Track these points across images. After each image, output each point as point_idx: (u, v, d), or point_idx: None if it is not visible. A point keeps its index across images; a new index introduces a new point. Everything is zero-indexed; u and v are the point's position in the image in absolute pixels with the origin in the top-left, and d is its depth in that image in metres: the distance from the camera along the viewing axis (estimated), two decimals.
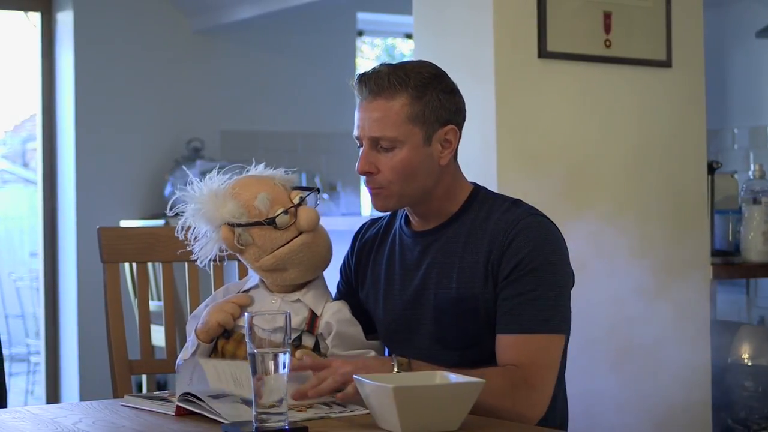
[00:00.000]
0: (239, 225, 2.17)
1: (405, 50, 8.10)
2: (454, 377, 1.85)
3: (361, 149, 2.20)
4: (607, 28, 3.33)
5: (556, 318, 2.14)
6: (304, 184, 2.32)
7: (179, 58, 6.00)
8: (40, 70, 6.01)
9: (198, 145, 5.91)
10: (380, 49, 8.39)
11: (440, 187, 2.23)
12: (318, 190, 2.25)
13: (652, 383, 3.44)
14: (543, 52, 3.22)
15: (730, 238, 3.86)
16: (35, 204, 6.16)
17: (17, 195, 8.68)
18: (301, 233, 2.20)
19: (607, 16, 3.33)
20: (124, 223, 5.44)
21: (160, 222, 5.26)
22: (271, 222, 2.17)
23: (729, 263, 3.71)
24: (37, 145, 6.08)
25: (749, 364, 3.78)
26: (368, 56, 8.22)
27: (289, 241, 2.19)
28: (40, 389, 6.80)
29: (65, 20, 5.89)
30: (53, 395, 6.00)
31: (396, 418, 1.72)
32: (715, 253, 3.69)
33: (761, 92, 6.30)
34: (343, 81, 6.45)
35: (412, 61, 2.27)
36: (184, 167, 5.75)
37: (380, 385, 1.75)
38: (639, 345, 3.43)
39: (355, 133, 2.21)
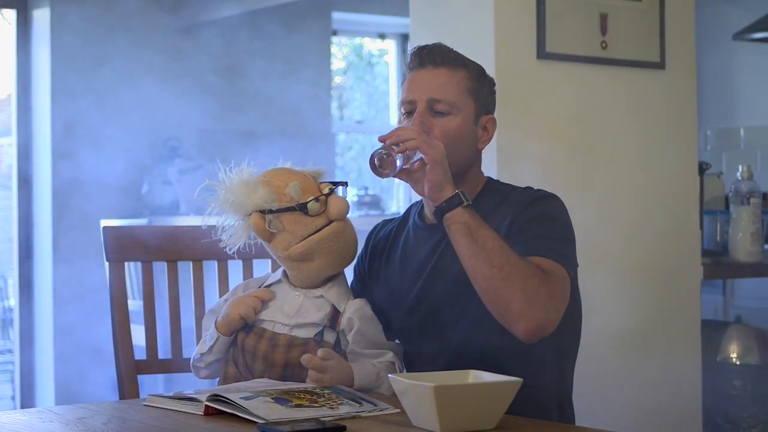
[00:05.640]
0: (271, 211, 2.18)
1: (374, 49, 8.08)
2: (488, 376, 1.85)
3: (409, 115, 2.23)
4: (604, 30, 3.35)
5: (567, 264, 2.16)
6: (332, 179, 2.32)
7: (156, 56, 5.96)
8: (15, 69, 5.94)
9: (175, 144, 5.88)
10: (348, 49, 8.37)
11: (471, 172, 2.29)
12: (346, 184, 2.27)
13: (642, 383, 3.47)
14: (542, 53, 3.23)
15: (718, 238, 3.90)
16: None
17: None
18: (331, 222, 2.21)
19: (604, 17, 3.34)
20: (105, 223, 5.39)
21: (142, 221, 5.22)
22: (303, 208, 2.18)
23: (718, 263, 3.74)
24: (13, 142, 6.01)
25: (737, 363, 3.82)
26: (336, 56, 8.19)
27: (320, 229, 2.20)
28: (1, 389, 6.72)
29: (42, 17, 5.83)
30: (28, 397, 5.93)
31: (435, 417, 1.72)
32: (703, 253, 3.72)
33: (733, 94, 6.38)
34: (318, 80, 6.55)
35: None
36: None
37: (420, 384, 1.74)
38: (629, 345, 3.45)
39: (408, 96, 2.24)
